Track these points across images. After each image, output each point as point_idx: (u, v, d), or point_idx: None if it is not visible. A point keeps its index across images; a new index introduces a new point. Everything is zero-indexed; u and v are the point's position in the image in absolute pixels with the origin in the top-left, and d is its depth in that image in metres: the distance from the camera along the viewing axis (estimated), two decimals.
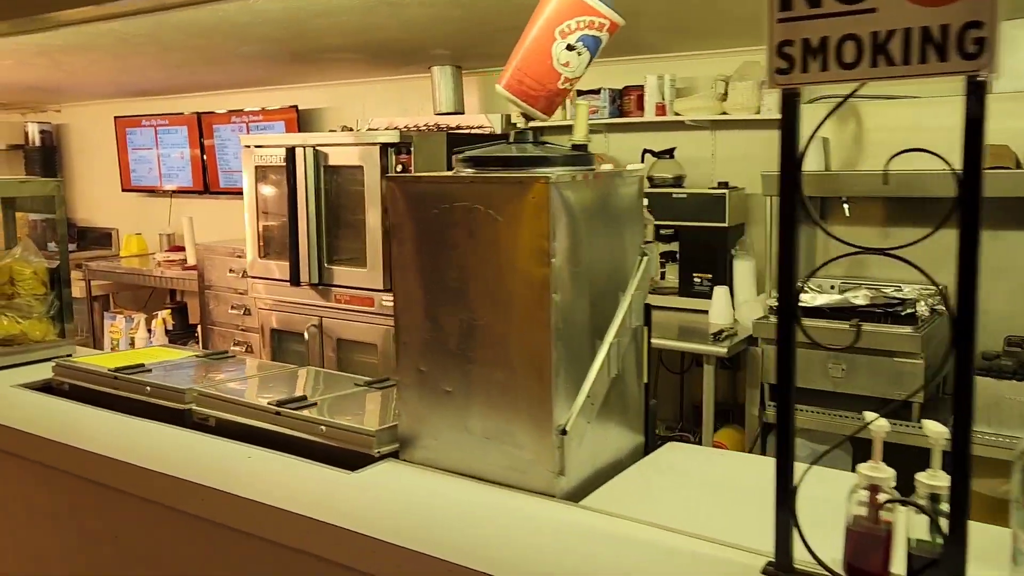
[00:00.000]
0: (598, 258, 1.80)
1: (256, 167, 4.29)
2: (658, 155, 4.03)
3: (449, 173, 1.83)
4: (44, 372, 2.77)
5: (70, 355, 2.99)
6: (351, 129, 4.91)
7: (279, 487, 1.80)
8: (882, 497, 1.30)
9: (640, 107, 4.10)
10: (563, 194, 1.66)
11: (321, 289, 4.11)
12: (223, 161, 6.07)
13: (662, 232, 4.02)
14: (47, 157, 7.22)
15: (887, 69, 1.20)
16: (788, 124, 1.31)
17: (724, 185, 3.84)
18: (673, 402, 4.28)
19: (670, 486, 1.88)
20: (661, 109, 4.02)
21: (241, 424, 2.17)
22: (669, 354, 4.20)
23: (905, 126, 3.48)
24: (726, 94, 3.88)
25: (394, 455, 1.95)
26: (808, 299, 3.25)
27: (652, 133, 4.15)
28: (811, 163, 3.59)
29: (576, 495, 1.74)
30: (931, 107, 3.35)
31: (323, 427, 2.02)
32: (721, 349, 3.30)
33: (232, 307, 4.96)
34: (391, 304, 3.84)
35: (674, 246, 4.07)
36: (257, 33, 3.65)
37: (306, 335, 4.16)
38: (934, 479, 1.29)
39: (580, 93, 4.21)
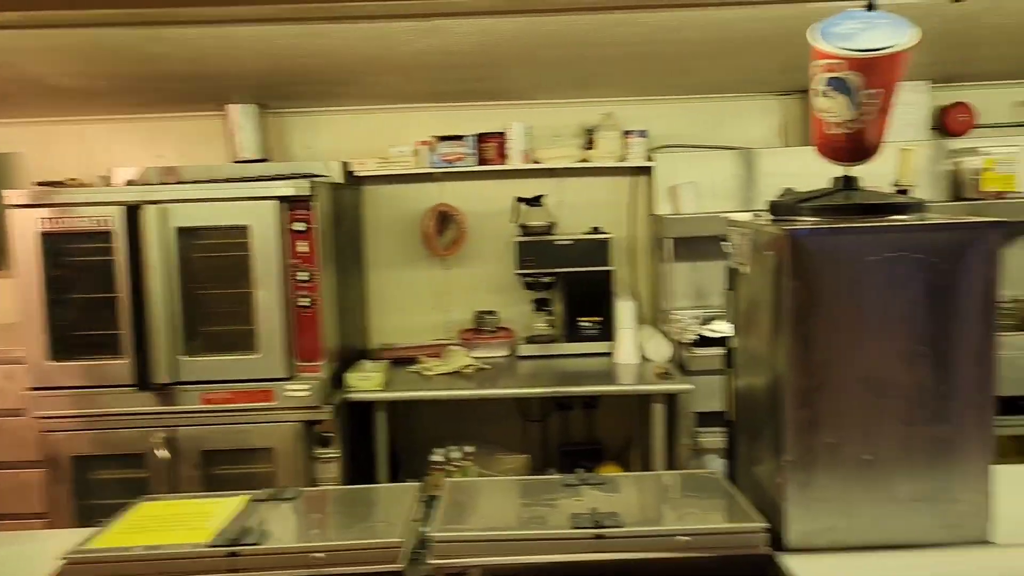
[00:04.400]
0: None
1: (43, 234, 3.07)
2: (529, 203, 3.98)
3: (877, 222, 1.68)
4: None
5: None
6: (72, 181, 3.84)
7: None
8: None
9: (500, 154, 3.99)
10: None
11: (169, 391, 3.11)
12: None
13: (543, 280, 3.97)
14: None
15: None
16: None
17: (596, 230, 3.96)
18: (538, 445, 4.23)
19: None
20: (525, 156, 3.98)
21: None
22: (523, 401, 4.15)
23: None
24: (590, 142, 4.02)
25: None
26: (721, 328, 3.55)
27: (510, 181, 4.08)
28: (688, 206, 3.93)
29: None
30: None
31: (684, 538, 1.65)
32: (688, 386, 3.41)
33: None
34: (301, 394, 3.15)
35: (546, 293, 4.05)
36: None
37: (159, 453, 3.10)
38: None
39: (443, 139, 3.94)
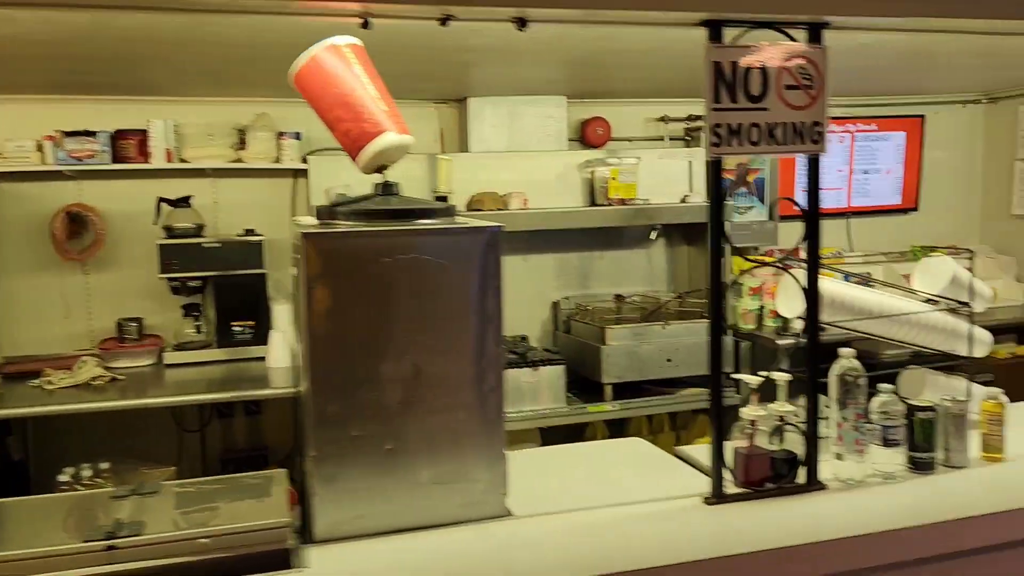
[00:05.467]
0: None
1: None
2: (174, 204, 3.79)
3: (383, 227, 1.76)
4: None
5: None
6: None
7: None
8: (764, 427, 1.98)
9: (142, 152, 3.77)
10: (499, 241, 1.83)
11: None
12: None
13: (190, 284, 3.80)
14: None
15: (774, 147, 1.87)
16: (715, 180, 1.86)
17: (250, 232, 3.87)
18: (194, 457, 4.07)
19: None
20: (169, 155, 3.79)
21: None
22: (179, 410, 3.99)
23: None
24: (242, 142, 3.91)
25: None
26: None
27: (159, 180, 3.87)
28: None
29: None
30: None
31: (205, 540, 1.65)
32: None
33: None
34: None
35: (196, 298, 3.90)
36: None
37: None
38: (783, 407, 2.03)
39: (69, 134, 3.64)
